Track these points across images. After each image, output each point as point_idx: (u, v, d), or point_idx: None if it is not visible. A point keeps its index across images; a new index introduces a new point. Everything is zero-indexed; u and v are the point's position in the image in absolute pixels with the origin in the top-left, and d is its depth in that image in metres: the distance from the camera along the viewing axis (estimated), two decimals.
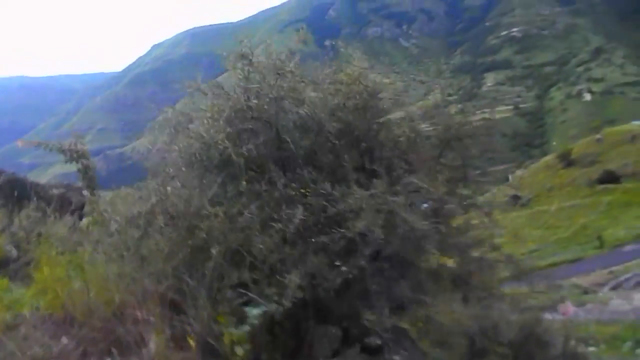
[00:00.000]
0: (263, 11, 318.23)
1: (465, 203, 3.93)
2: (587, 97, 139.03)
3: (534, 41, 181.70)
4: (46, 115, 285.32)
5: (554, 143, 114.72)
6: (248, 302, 2.52)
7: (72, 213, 7.91)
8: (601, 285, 26.55)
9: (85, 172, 6.48)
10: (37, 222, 6.09)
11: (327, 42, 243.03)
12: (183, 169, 2.97)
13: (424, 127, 3.50)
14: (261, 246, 2.52)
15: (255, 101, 2.95)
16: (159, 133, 3.49)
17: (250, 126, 2.97)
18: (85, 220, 7.71)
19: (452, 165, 3.89)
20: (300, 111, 2.89)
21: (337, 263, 2.55)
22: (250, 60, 3.05)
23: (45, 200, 7.88)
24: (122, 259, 2.81)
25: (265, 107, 2.92)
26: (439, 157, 3.71)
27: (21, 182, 8.25)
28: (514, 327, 4.98)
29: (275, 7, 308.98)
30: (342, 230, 2.60)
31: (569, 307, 14.37)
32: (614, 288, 25.49)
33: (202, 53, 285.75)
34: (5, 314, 3.31)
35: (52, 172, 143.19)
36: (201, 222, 2.58)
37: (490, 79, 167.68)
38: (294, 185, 2.76)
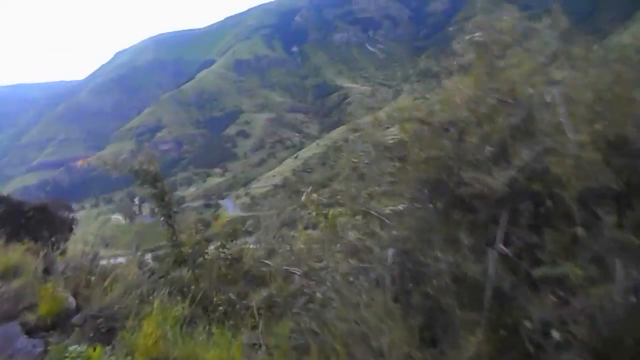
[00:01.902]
0: (229, 17, 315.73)
1: None
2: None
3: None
4: (5, 126, 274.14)
5: None
6: None
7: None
8: None
9: (162, 198, 5.26)
10: (84, 256, 5.03)
11: (294, 48, 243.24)
12: (416, 205, 2.18)
13: None
14: None
15: None
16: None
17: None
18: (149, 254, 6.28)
19: None
20: None
21: None
22: None
23: (45, 224, 6.54)
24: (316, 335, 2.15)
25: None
26: None
27: (16, 205, 6.82)
28: None
29: (241, 13, 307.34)
30: None
31: None
32: None
33: (168, 60, 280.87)
34: None
35: (12, 186, 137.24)
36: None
37: None
38: None
